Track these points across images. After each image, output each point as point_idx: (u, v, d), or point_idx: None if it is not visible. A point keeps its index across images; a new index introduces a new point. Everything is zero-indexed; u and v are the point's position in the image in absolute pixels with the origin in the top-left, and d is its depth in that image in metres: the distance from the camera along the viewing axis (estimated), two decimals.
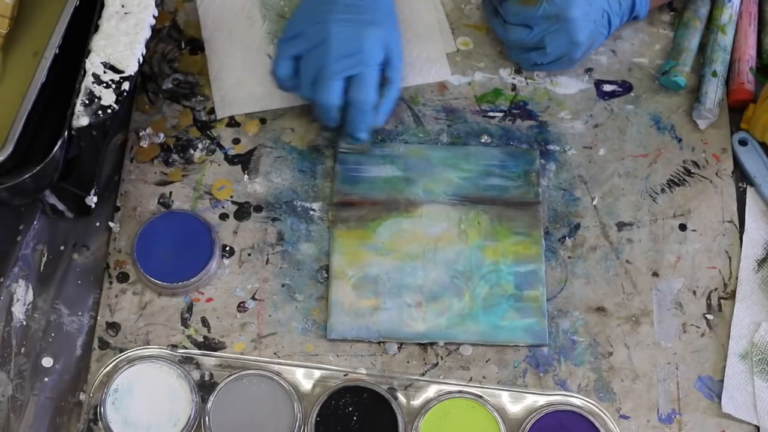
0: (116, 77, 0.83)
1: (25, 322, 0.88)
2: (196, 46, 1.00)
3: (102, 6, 0.85)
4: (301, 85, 0.92)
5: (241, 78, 0.98)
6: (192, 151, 0.96)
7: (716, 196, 0.94)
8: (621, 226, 0.93)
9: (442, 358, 0.88)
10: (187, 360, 0.86)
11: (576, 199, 0.94)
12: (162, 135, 0.96)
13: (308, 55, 0.91)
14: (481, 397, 0.85)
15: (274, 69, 0.93)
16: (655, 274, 0.91)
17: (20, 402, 0.85)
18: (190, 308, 0.89)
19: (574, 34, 0.93)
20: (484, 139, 0.96)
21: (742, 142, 0.96)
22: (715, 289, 0.91)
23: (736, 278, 0.91)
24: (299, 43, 0.91)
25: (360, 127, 0.92)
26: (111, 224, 0.92)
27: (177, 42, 1.01)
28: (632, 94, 0.99)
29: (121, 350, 0.87)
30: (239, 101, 0.97)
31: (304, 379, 0.86)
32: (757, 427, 0.85)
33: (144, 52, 0.84)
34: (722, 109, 0.97)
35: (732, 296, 0.90)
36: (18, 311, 0.88)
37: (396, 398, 0.85)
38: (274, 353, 0.87)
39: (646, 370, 0.87)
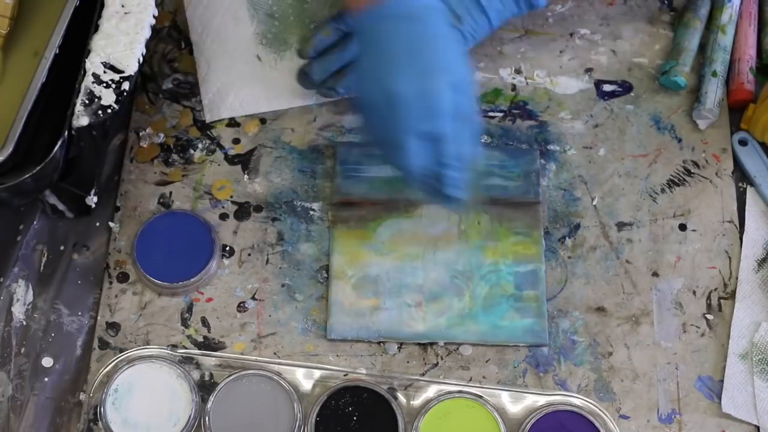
0: (116, 77, 0.83)
1: (25, 322, 0.88)
2: None
3: (102, 6, 0.85)
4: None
5: (229, 81, 0.97)
6: (192, 151, 0.95)
7: (716, 196, 0.94)
8: (621, 226, 0.93)
9: (442, 358, 0.88)
10: (187, 360, 0.86)
11: (576, 199, 0.94)
12: (162, 135, 0.96)
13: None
14: (481, 397, 0.85)
15: None
16: (655, 274, 0.91)
17: (20, 402, 0.85)
18: (190, 308, 0.89)
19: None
20: (484, 139, 0.96)
21: (742, 142, 0.96)
22: (715, 289, 0.91)
23: (736, 278, 0.91)
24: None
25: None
26: (111, 224, 0.92)
27: (177, 42, 1.00)
28: (632, 94, 0.99)
29: (121, 350, 0.87)
30: (226, 105, 0.96)
31: (304, 379, 0.86)
32: (757, 427, 0.85)
33: (144, 52, 0.84)
34: (722, 109, 0.97)
35: (732, 296, 0.90)
36: (18, 311, 0.88)
37: (396, 398, 0.85)
38: (274, 353, 0.87)
39: (646, 370, 0.87)
